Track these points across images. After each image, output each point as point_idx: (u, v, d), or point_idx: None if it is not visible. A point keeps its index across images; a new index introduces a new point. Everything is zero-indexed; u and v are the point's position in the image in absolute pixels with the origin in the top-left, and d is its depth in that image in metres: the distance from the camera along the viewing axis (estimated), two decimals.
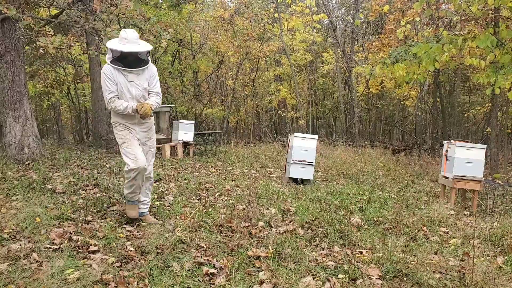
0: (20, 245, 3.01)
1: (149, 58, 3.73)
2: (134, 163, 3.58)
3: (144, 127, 3.83)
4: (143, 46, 3.59)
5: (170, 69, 14.41)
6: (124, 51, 3.48)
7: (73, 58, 14.66)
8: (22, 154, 6.73)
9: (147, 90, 3.74)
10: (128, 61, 3.55)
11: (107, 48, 3.67)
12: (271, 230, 3.82)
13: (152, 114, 3.71)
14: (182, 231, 3.45)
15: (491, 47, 5.10)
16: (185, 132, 9.57)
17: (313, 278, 2.77)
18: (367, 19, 16.06)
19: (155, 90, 3.78)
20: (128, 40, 3.51)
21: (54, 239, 3.19)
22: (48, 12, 10.12)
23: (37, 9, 9.21)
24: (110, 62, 3.57)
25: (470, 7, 5.43)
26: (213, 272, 2.79)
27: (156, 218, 4.02)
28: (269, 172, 7.64)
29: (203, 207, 4.48)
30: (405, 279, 2.87)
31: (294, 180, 6.76)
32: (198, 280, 2.67)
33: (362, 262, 3.09)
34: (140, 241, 3.31)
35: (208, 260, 2.97)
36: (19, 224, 3.50)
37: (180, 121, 9.88)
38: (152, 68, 3.77)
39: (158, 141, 9.72)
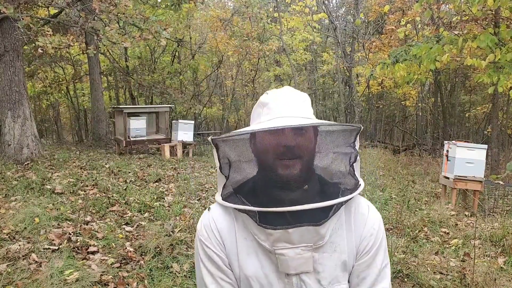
0: (19, 245, 3.00)
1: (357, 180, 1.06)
2: None
3: None
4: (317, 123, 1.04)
5: (169, 68, 14.40)
6: (262, 129, 1.01)
7: (72, 57, 14.64)
8: (21, 154, 6.71)
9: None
10: (277, 183, 1.03)
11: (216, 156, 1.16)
12: None
13: None
14: (182, 232, 3.43)
15: (491, 46, 5.08)
16: (184, 132, 9.55)
17: None
18: (367, 19, 16.05)
19: None
20: (276, 107, 1.08)
21: (53, 240, 3.17)
22: (47, 12, 10.12)
23: (36, 9, 9.19)
24: (224, 199, 1.11)
25: (470, 8, 5.42)
26: None
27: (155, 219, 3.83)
28: None
29: (203, 208, 4.46)
30: (406, 279, 2.85)
31: None
32: None
33: None
34: (139, 241, 3.30)
35: None
36: (18, 224, 3.48)
37: (180, 121, 9.85)
38: (365, 218, 1.08)
39: (158, 141, 9.73)
